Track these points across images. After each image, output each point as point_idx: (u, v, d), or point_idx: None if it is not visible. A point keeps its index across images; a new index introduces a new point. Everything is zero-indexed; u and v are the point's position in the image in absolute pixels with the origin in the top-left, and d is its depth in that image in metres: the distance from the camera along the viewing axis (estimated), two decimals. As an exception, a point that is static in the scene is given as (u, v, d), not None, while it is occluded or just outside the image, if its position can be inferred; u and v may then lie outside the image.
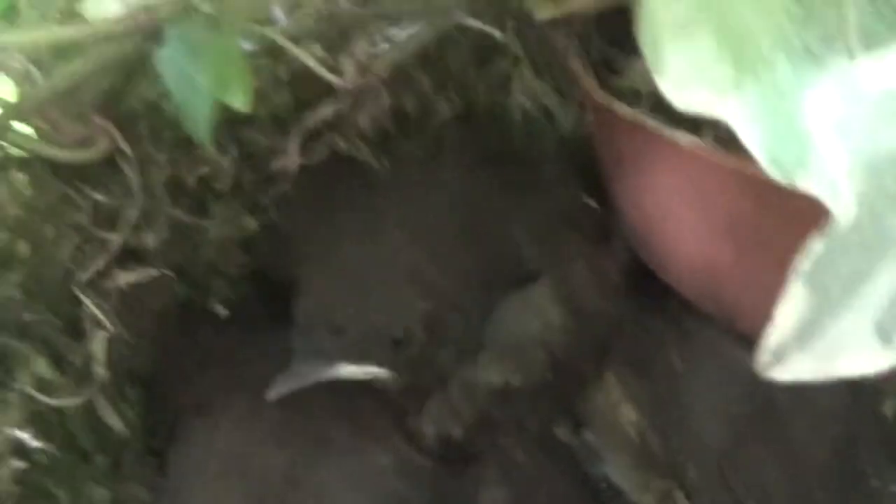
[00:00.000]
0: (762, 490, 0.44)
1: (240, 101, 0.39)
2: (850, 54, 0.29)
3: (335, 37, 0.48)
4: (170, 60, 0.42)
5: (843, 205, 0.26)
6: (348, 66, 0.45)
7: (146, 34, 0.41)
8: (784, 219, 0.41)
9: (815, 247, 0.26)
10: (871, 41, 0.28)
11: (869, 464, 0.45)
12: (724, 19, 0.30)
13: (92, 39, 0.42)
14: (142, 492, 0.49)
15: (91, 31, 0.42)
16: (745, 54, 0.30)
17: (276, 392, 0.48)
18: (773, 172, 0.29)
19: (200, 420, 0.50)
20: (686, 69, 0.31)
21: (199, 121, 0.41)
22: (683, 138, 0.44)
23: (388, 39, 0.46)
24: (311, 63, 0.43)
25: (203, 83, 0.41)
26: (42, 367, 0.44)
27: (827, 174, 0.28)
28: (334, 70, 0.45)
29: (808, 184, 0.28)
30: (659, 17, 0.31)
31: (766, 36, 0.30)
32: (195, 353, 0.53)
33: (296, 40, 0.44)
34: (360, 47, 0.45)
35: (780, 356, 0.28)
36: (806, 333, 0.28)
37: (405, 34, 0.46)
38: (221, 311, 0.53)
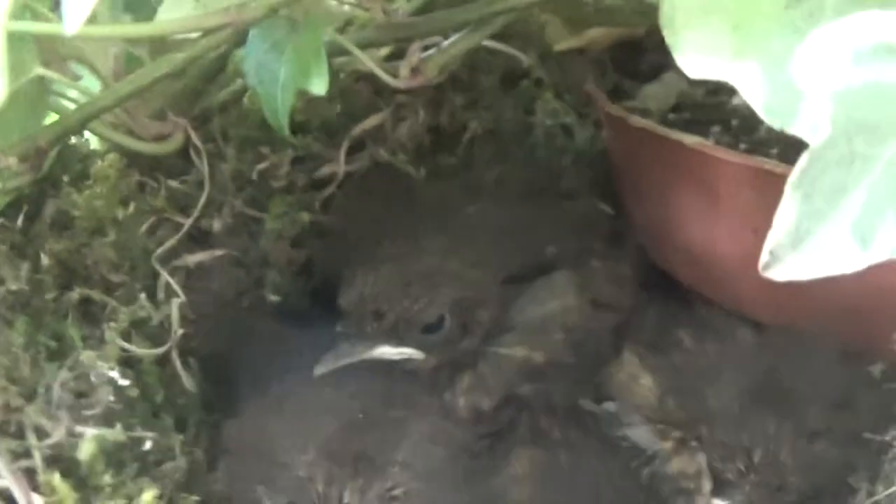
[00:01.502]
0: (767, 442, 0.50)
1: (319, 87, 0.48)
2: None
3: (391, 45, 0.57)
4: (253, 56, 0.52)
5: (820, 132, 0.36)
6: (403, 69, 0.54)
7: (230, 35, 0.50)
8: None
9: (801, 161, 0.35)
10: (842, 17, 0.38)
11: (862, 419, 0.52)
12: (728, 4, 0.40)
13: (181, 37, 0.50)
14: (199, 454, 0.55)
15: (181, 28, 0.51)
16: (746, 31, 0.40)
17: (323, 368, 0.56)
18: (771, 120, 0.39)
19: (255, 400, 0.57)
20: (700, 44, 0.40)
21: (280, 110, 0.50)
22: (689, 139, 0.54)
23: (436, 46, 0.56)
24: (373, 65, 0.52)
25: (284, 75, 0.50)
26: (126, 320, 0.51)
27: (812, 118, 0.37)
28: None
29: (797, 128, 0.38)
30: (677, 5, 0.41)
31: (761, 16, 0.40)
32: (250, 336, 0.60)
33: (361, 48, 0.53)
34: (413, 52, 0.54)
35: (777, 257, 0.36)
36: (798, 237, 0.36)
37: (450, 42, 0.55)
38: (273, 298, 0.61)
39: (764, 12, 0.40)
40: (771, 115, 0.38)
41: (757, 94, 0.39)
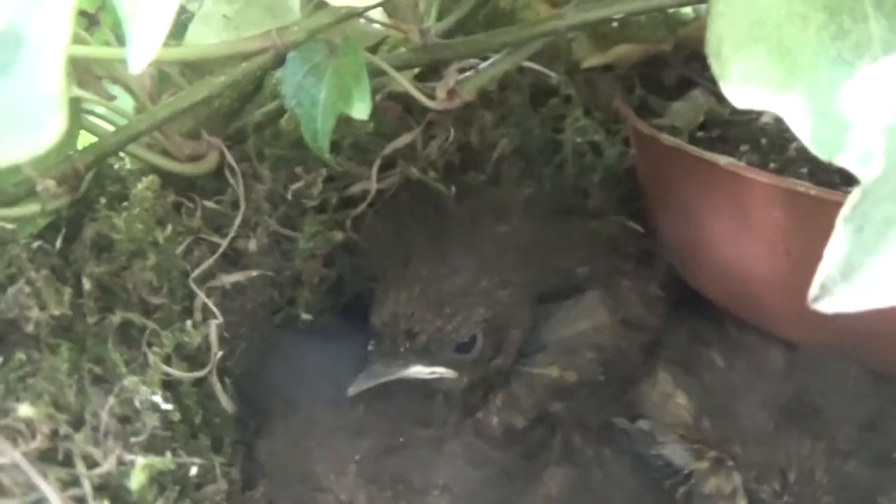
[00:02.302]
0: (801, 462, 0.51)
1: (361, 111, 0.48)
2: (874, 59, 0.39)
3: (428, 68, 0.58)
4: (292, 79, 0.52)
5: (874, 166, 0.36)
6: (440, 90, 0.54)
7: (271, 57, 0.50)
8: (816, 228, 0.51)
9: (853, 194, 0.36)
10: (889, 49, 0.39)
11: (892, 438, 0.53)
12: (775, 35, 0.41)
13: (225, 59, 0.51)
14: (235, 474, 0.55)
15: (220, 52, 0.51)
16: (793, 62, 0.40)
17: (355, 388, 0.56)
18: (818, 152, 0.39)
19: (287, 419, 0.57)
20: (746, 74, 0.41)
21: (320, 133, 0.51)
22: (722, 159, 0.54)
23: (473, 68, 0.56)
24: (410, 87, 0.53)
25: (324, 98, 0.51)
26: (168, 343, 0.52)
27: (860, 148, 0.38)
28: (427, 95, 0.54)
29: (844, 160, 0.38)
30: (723, 35, 0.41)
31: (808, 47, 0.40)
32: (283, 356, 0.60)
33: (395, 69, 0.53)
34: (450, 75, 0.54)
35: (827, 289, 0.37)
36: (848, 270, 0.36)
37: (487, 65, 0.56)
38: (306, 316, 0.61)
39: (810, 43, 0.40)
40: (818, 146, 0.39)
41: (803, 126, 0.40)
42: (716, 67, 0.42)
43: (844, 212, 0.36)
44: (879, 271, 0.36)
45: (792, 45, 0.41)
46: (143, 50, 0.33)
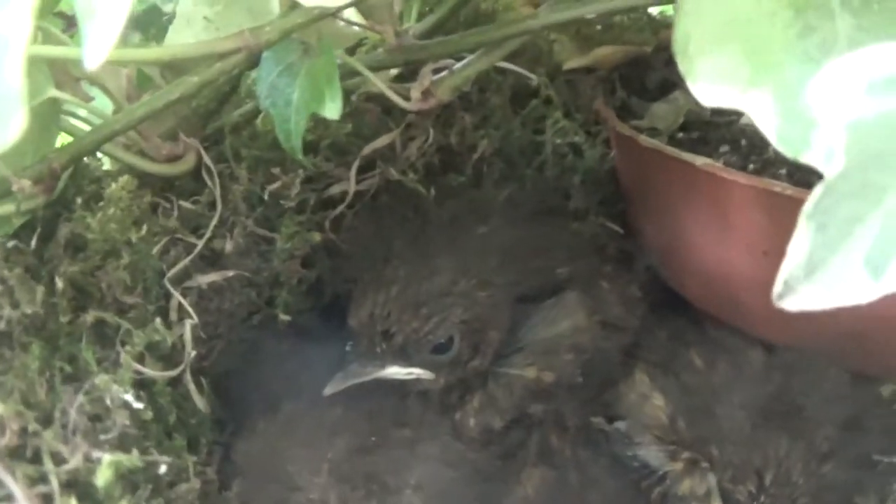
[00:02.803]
0: (779, 463, 0.51)
1: (332, 111, 0.48)
2: (841, 56, 0.39)
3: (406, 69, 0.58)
4: (266, 79, 0.52)
5: (835, 163, 0.36)
6: (415, 91, 0.54)
7: (244, 57, 0.50)
8: (794, 228, 0.51)
9: (815, 191, 0.36)
10: (855, 46, 0.39)
11: (871, 440, 0.53)
12: (742, 33, 0.41)
13: (200, 59, 0.51)
14: (211, 474, 0.55)
15: (195, 52, 0.51)
16: (760, 60, 0.40)
17: (331, 388, 0.56)
18: (784, 150, 0.39)
19: (265, 419, 0.57)
20: (714, 72, 0.41)
21: (293, 133, 0.51)
22: (699, 160, 0.54)
23: (447, 69, 0.56)
24: (384, 88, 0.53)
25: (297, 98, 0.51)
26: (140, 342, 0.52)
27: (826, 146, 0.38)
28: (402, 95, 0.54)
29: (810, 157, 0.38)
30: (690, 32, 0.41)
31: (775, 45, 0.40)
32: (261, 356, 0.60)
33: (371, 70, 0.53)
34: (425, 75, 0.54)
35: (791, 287, 0.37)
36: (811, 267, 0.36)
37: (462, 65, 0.56)
38: (284, 317, 0.61)
39: (777, 41, 0.40)
40: (784, 143, 0.39)
41: (770, 123, 0.40)
42: (683, 65, 0.42)
43: (807, 208, 0.36)
44: (842, 269, 0.36)
45: (759, 43, 0.41)
46: (97, 47, 0.33)
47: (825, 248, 0.36)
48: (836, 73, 0.38)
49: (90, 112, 0.56)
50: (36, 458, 0.45)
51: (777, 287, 0.37)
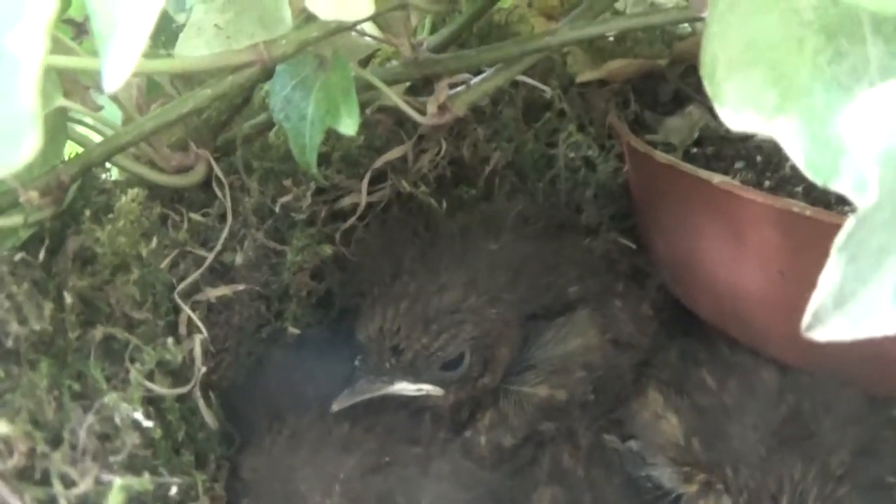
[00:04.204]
0: (793, 487, 0.50)
1: (349, 127, 0.47)
2: (871, 83, 0.38)
3: (418, 81, 0.57)
4: (280, 92, 0.51)
5: (868, 195, 0.35)
6: (431, 105, 0.53)
7: (258, 70, 0.49)
8: (811, 248, 0.50)
9: (848, 223, 0.35)
10: (887, 73, 0.38)
11: (885, 463, 0.53)
12: (771, 58, 0.40)
13: (214, 70, 0.50)
14: (219, 490, 0.54)
15: (208, 65, 0.50)
16: (788, 85, 0.39)
17: (339, 404, 0.56)
18: (813, 176, 0.38)
19: (272, 435, 0.57)
20: (740, 97, 0.40)
21: (308, 147, 0.50)
22: (715, 177, 0.53)
23: (464, 83, 0.55)
24: (400, 103, 0.52)
25: (312, 112, 0.50)
26: (150, 359, 0.51)
27: (855, 175, 0.37)
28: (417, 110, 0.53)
29: (839, 185, 0.37)
30: (718, 56, 0.40)
31: (804, 70, 0.39)
32: (270, 370, 0.60)
33: (385, 83, 0.52)
34: (441, 90, 0.53)
35: (820, 318, 0.36)
36: (842, 299, 0.35)
37: (479, 80, 0.55)
38: (293, 330, 0.60)
39: (806, 67, 0.39)
40: (813, 170, 0.38)
41: (798, 150, 0.39)
42: (710, 89, 0.41)
43: (839, 241, 0.35)
44: (873, 301, 0.36)
45: (787, 69, 0.40)
46: (119, 66, 0.32)
47: (856, 280, 0.36)
48: (869, 102, 0.37)
49: (99, 122, 0.55)
50: (44, 480, 0.44)
51: (806, 318, 0.36)
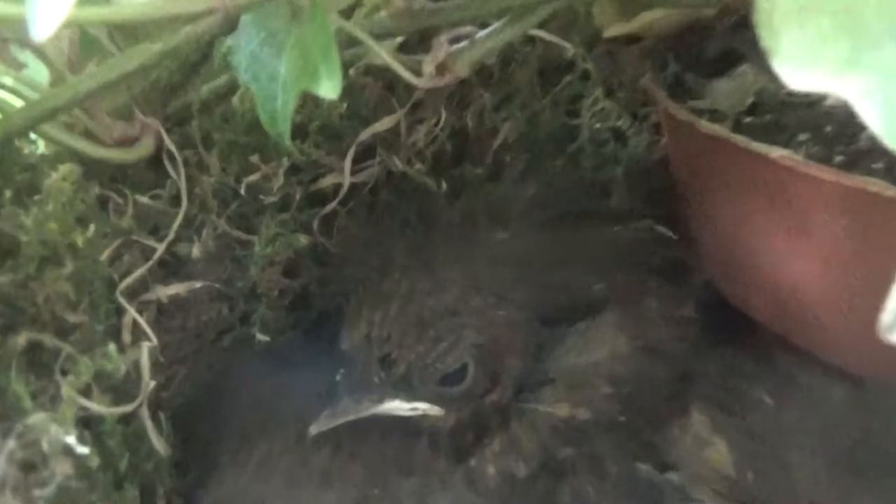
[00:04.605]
0: (867, 526, 0.51)
1: (329, 90, 0.46)
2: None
3: (412, 36, 0.56)
4: (246, 48, 0.50)
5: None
6: (428, 66, 0.52)
7: (219, 21, 0.48)
8: (891, 236, 0.49)
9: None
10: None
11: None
12: (838, 5, 0.39)
13: (163, 21, 0.49)
14: (169, 533, 0.54)
15: (158, 14, 0.49)
16: (861, 36, 0.38)
17: (319, 427, 0.55)
18: (890, 144, 0.37)
19: (236, 463, 0.57)
20: (803, 51, 0.39)
21: (280, 114, 0.49)
22: (774, 151, 0.52)
23: (468, 38, 0.54)
24: (390, 60, 0.51)
25: (286, 72, 0.49)
26: (86, 371, 0.50)
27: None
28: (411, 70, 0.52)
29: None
30: (776, 4, 0.40)
31: (881, 20, 0.38)
32: (233, 385, 0.60)
33: (373, 38, 0.51)
34: (440, 46, 0.52)
35: (901, 318, 0.35)
36: (928, 294, 0.35)
37: (486, 34, 0.54)
38: (262, 338, 0.60)
39: (883, 14, 0.39)
40: (890, 137, 0.37)
41: (872, 113, 0.38)
42: (767, 41, 0.40)
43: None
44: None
45: (860, 16, 0.39)
46: (49, 12, 0.31)
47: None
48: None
49: (22, 83, 0.54)
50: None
51: (886, 317, 0.35)
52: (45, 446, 0.46)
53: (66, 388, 0.48)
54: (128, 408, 0.52)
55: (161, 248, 0.56)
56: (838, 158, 0.55)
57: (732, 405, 0.57)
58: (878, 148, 0.37)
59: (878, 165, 0.53)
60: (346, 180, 0.61)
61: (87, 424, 0.50)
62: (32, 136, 0.57)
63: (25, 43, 0.55)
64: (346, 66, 0.58)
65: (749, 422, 0.55)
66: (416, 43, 0.60)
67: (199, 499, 0.56)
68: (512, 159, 0.66)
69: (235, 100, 0.60)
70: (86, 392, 0.50)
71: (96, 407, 0.50)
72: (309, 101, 0.57)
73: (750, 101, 0.61)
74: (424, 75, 0.53)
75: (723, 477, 0.54)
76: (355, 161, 0.62)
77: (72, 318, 0.51)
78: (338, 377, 0.57)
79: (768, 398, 0.56)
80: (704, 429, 0.56)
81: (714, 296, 0.62)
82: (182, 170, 0.56)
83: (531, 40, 0.66)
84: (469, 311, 0.56)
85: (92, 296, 0.53)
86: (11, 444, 0.44)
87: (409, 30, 0.55)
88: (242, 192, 0.58)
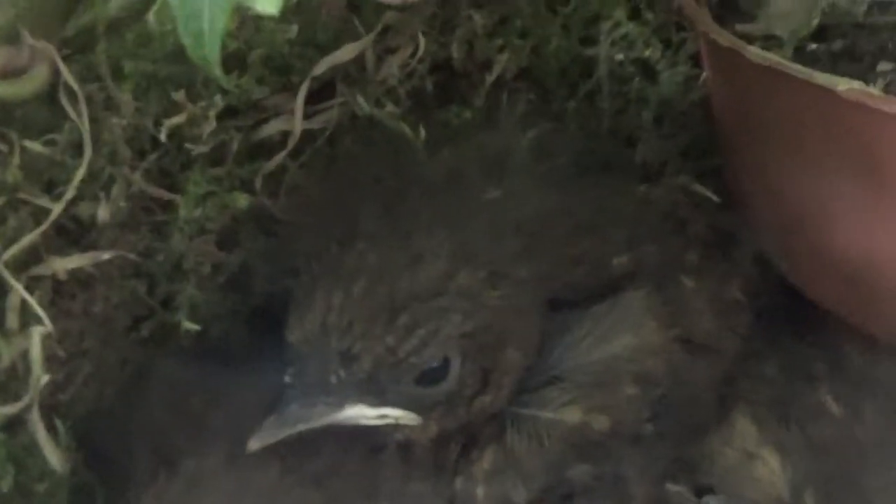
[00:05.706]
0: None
1: (269, 3, 0.44)
2: None
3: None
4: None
5: None
6: (400, -25, 0.51)
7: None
8: None
9: None
10: None
11: None
12: None
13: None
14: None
15: None
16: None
17: (262, 440, 0.53)
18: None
19: (155, 486, 0.55)
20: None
21: (207, 37, 0.47)
22: (842, 83, 0.50)
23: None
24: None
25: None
26: (-40, 364, 0.49)
27: None
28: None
29: None
30: None
31: None
32: (154, 387, 0.58)
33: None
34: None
35: None
36: None
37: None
38: (190, 325, 0.59)
39: None
40: None
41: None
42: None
43: None
44: None
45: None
46: None
47: None
48: None
49: None
50: None
51: None
52: None
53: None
54: (13, 408, 0.51)
55: (57, 208, 0.54)
56: (926, 94, 0.55)
57: (788, 412, 0.56)
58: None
59: (975, 102, 0.52)
60: (298, 126, 0.60)
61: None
62: None
63: None
64: (296, -23, 0.57)
65: (810, 433, 0.55)
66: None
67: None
68: (511, 99, 0.65)
69: (151, 18, 0.59)
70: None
71: (-32, 410, 0.48)
72: (249, 22, 0.55)
73: (815, 23, 0.60)
74: (397, -11, 0.52)
75: (774, 500, 0.53)
76: (309, 101, 0.61)
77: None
78: (286, 377, 0.55)
79: (836, 405, 0.56)
80: (752, 441, 0.55)
81: (767, 273, 0.61)
82: (84, 109, 0.54)
83: (536, -52, 0.65)
84: (454, 292, 0.55)
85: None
86: None
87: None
88: (163, 138, 0.57)
